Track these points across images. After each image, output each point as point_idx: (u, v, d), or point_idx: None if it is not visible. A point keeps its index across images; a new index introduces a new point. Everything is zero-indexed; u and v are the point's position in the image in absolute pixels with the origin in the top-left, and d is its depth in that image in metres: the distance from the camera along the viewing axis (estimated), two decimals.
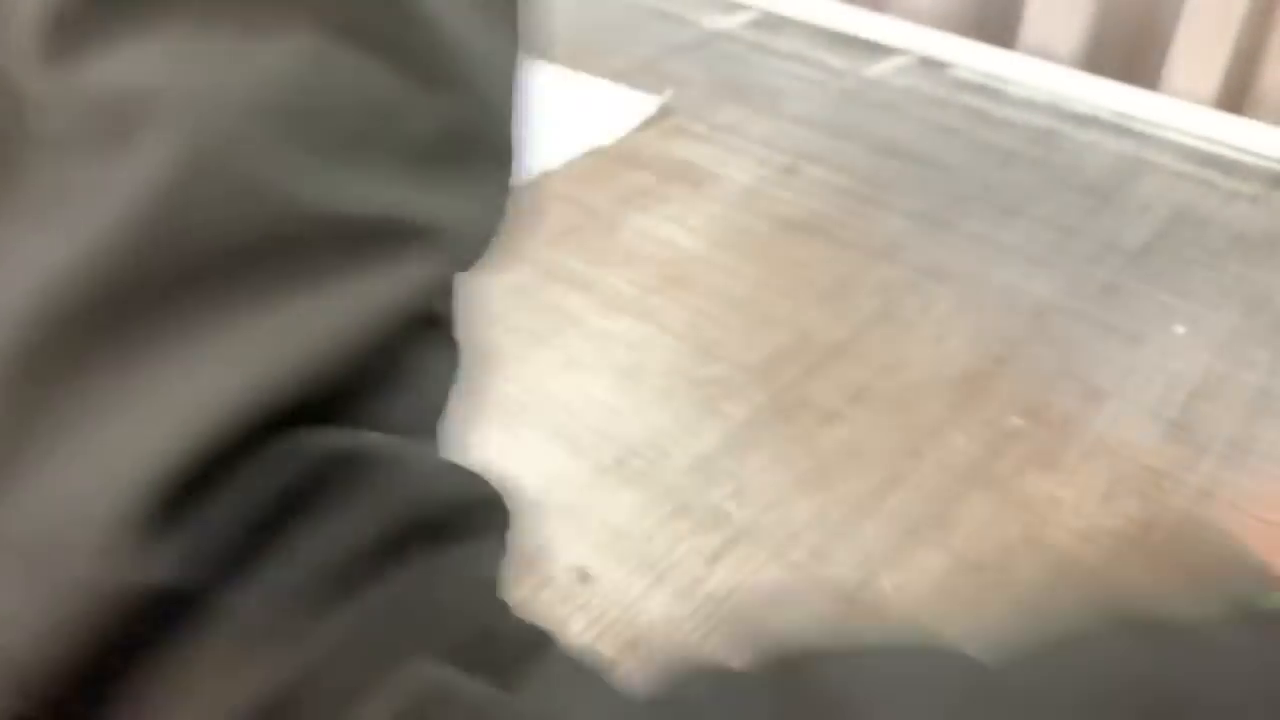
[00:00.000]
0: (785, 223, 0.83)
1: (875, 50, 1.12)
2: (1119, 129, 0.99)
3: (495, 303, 0.72)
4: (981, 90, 1.05)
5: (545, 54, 1.08)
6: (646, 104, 0.98)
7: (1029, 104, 1.03)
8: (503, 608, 0.26)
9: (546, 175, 0.87)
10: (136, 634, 0.21)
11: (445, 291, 0.30)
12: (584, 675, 0.26)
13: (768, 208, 0.85)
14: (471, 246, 0.31)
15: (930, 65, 1.09)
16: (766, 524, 0.58)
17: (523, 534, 0.28)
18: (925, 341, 0.72)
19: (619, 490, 0.59)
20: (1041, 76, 1.07)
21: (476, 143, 0.29)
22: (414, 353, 0.27)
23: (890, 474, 0.61)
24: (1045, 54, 1.12)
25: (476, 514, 0.27)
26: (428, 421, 0.29)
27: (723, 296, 0.75)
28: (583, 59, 1.07)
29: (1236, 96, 1.06)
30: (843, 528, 0.58)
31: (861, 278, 0.77)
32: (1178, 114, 1.01)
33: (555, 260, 0.78)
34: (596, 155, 0.91)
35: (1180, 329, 0.74)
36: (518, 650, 0.25)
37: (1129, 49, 1.12)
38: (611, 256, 0.78)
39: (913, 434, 0.64)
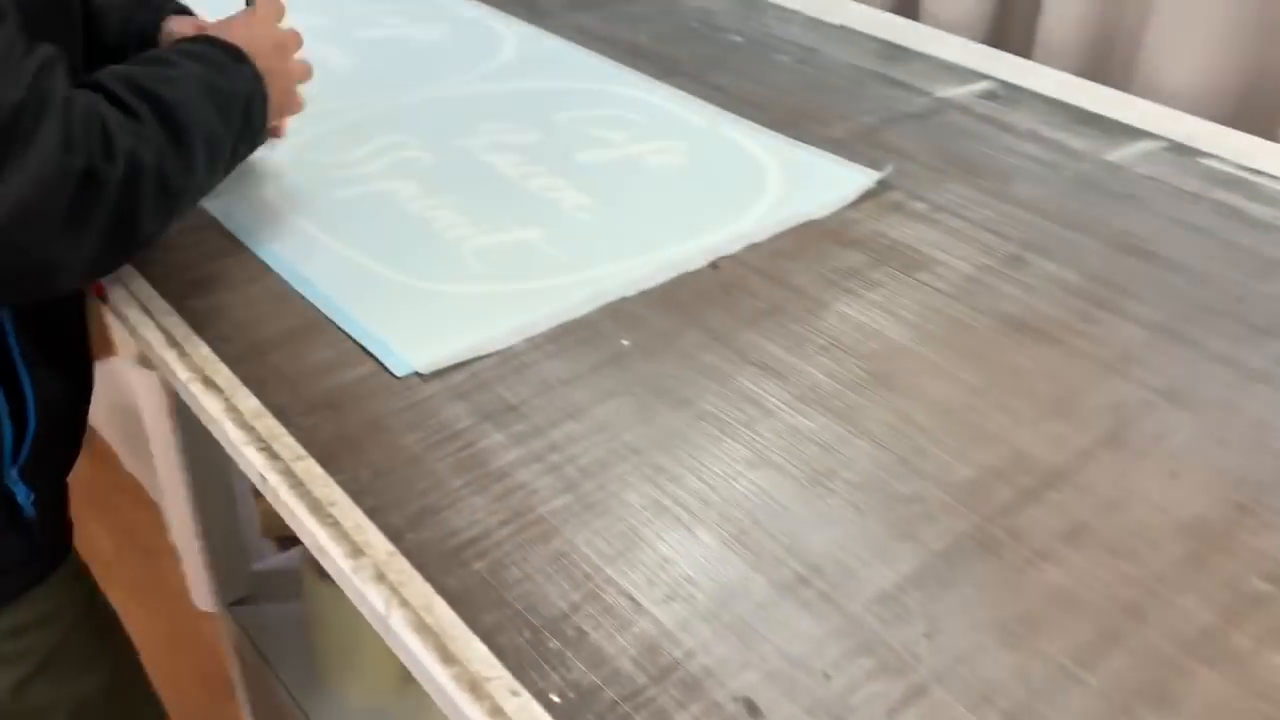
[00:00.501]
0: (1007, 321, 0.77)
1: (1120, 132, 1.04)
2: None
3: (687, 384, 0.69)
4: (1238, 185, 0.95)
5: (760, 117, 1.05)
6: (864, 177, 0.93)
7: None
8: None
9: (751, 247, 0.84)
10: None
11: None
12: None
13: (988, 302, 0.79)
14: None
15: (1181, 153, 1.00)
16: (960, 675, 0.52)
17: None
18: (1157, 476, 0.64)
19: (798, 614, 0.55)
20: None
21: None
22: None
23: (1106, 632, 0.54)
24: None
25: None
26: None
27: (931, 401, 0.69)
28: (800, 124, 1.03)
29: None
30: (1046, 690, 0.51)
31: (1089, 393, 0.70)
32: None
33: (752, 342, 0.74)
34: (806, 229, 0.87)
35: None
36: None
37: None
38: (812, 343, 0.74)
39: (1135, 587, 0.57)
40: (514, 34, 1.22)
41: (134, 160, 0.63)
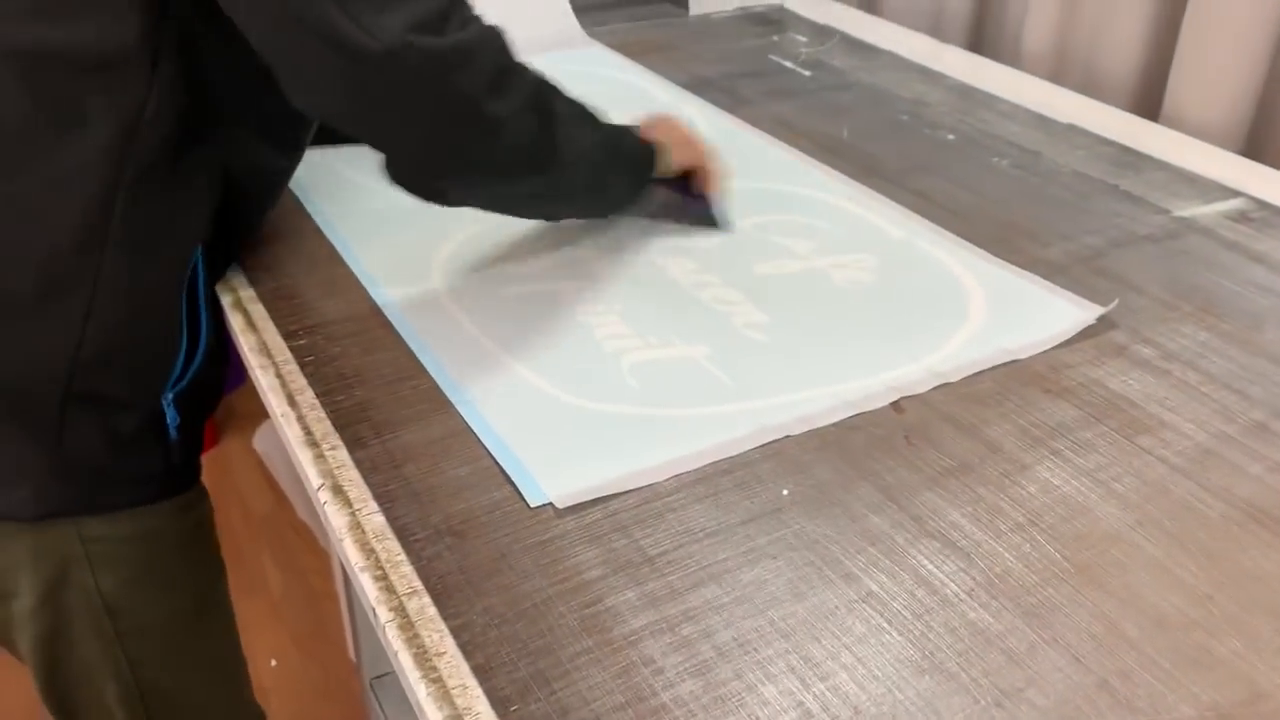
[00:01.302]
0: (1247, 508, 0.64)
1: None
2: None
3: (852, 553, 0.60)
4: None
5: (967, 231, 0.95)
6: (1083, 312, 0.82)
7: None
8: None
9: (942, 388, 0.74)
10: None
11: None
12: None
13: (1224, 481, 0.66)
14: None
15: None
16: None
17: None
18: None
19: None
20: None
21: None
22: None
23: None
24: None
25: None
26: None
27: (1145, 607, 0.57)
28: (1013, 242, 0.93)
29: None
30: None
31: None
32: None
33: (933, 507, 0.64)
34: (1009, 371, 0.76)
35: None
36: None
37: None
38: (1006, 517, 0.63)
39: None
40: (708, 124, 1.17)
41: (544, 83, 0.76)
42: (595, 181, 0.84)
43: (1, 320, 0.73)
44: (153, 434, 0.80)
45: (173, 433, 0.81)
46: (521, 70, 0.73)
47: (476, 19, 0.70)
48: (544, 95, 0.76)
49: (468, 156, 0.73)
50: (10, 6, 0.69)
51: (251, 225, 0.89)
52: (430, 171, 0.73)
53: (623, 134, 0.86)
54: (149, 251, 0.75)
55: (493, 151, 0.73)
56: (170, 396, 0.80)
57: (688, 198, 0.94)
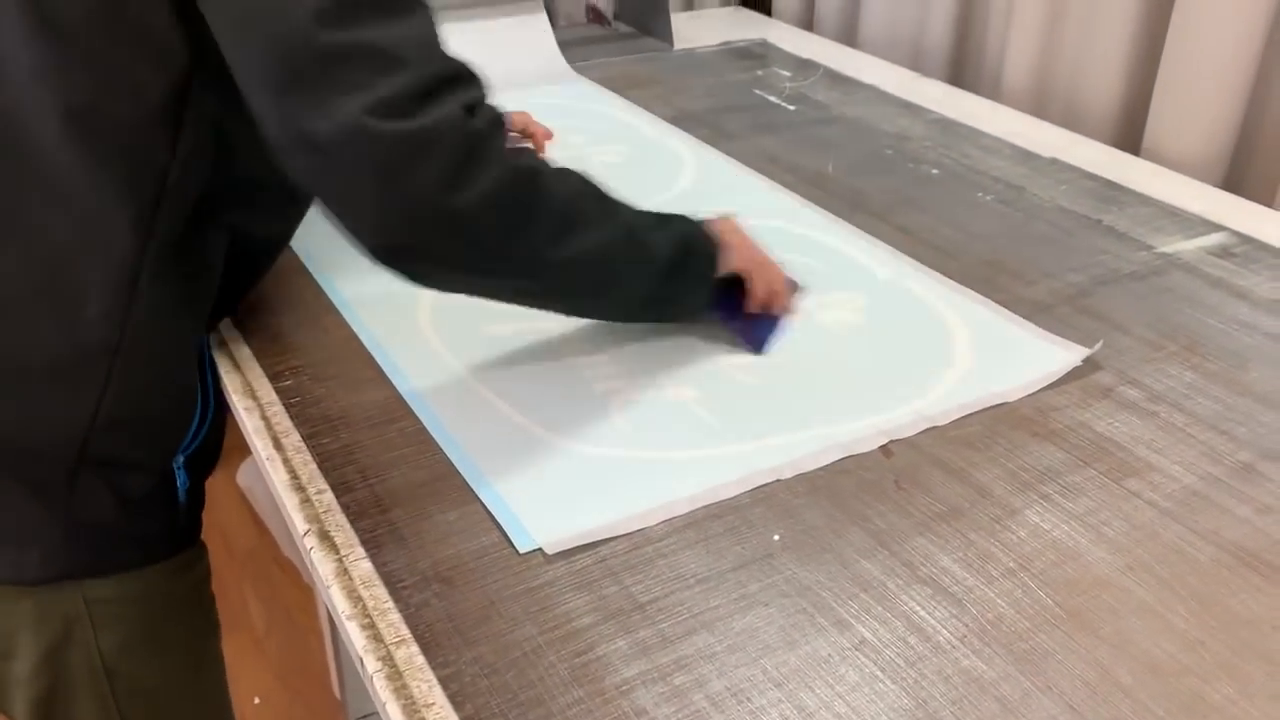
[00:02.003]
0: (1236, 551, 0.64)
1: None
2: None
3: (844, 599, 0.60)
4: None
5: (952, 268, 0.95)
6: (1069, 354, 0.82)
7: None
8: None
9: (931, 431, 0.74)
10: None
11: None
12: None
13: (1212, 524, 0.66)
14: None
15: None
16: None
17: None
18: None
19: None
20: None
21: None
22: None
23: None
24: None
25: None
26: None
27: (1137, 653, 0.57)
28: (997, 281, 0.93)
29: None
30: None
31: None
32: None
33: (924, 553, 0.64)
34: (997, 414, 0.76)
35: None
36: None
37: None
38: (997, 562, 0.63)
39: None
40: (694, 158, 1.17)
41: (536, 172, 0.69)
42: (607, 283, 0.76)
43: (20, 386, 0.71)
44: (162, 496, 0.79)
45: (182, 495, 0.80)
46: (496, 159, 0.65)
47: (444, 96, 0.63)
48: (526, 186, 0.67)
49: (427, 255, 0.66)
50: (38, 71, 0.67)
51: (255, 283, 0.88)
52: (392, 264, 0.67)
53: (669, 233, 0.77)
54: (170, 318, 0.74)
55: (453, 250, 0.66)
56: (181, 459, 0.79)
57: (727, 311, 0.84)
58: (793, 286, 0.87)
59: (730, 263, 0.81)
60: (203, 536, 0.88)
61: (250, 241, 0.81)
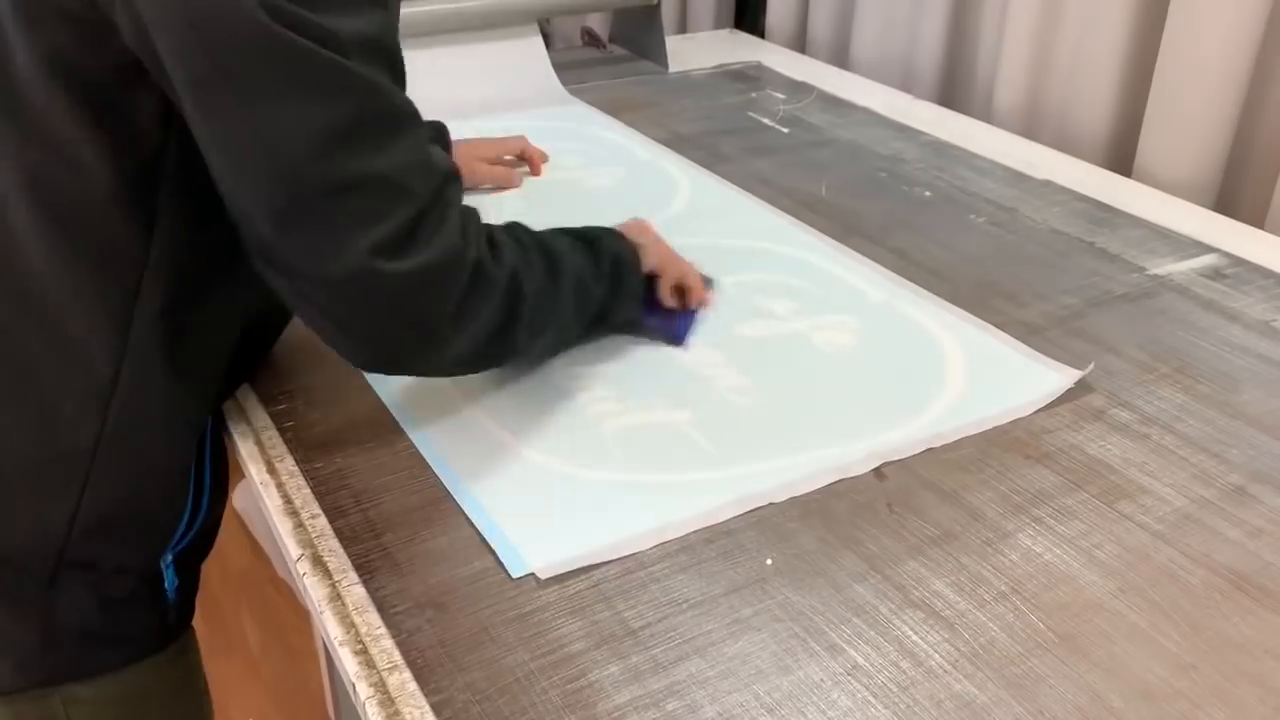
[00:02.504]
0: (1228, 574, 0.64)
1: None
2: None
3: (837, 623, 0.60)
4: None
5: (945, 290, 0.95)
6: (1061, 377, 0.82)
7: None
8: None
9: (924, 454, 0.74)
10: None
11: None
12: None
13: (1204, 547, 0.66)
14: None
15: None
16: None
17: None
18: None
19: None
20: None
21: None
22: None
23: None
24: None
25: None
26: None
27: (1129, 678, 0.57)
28: (990, 303, 0.93)
29: None
30: None
31: None
32: None
33: (917, 576, 0.64)
34: (989, 437, 0.76)
35: None
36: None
37: None
38: (989, 586, 0.63)
39: None
40: (689, 181, 1.17)
41: (516, 276, 0.69)
42: (563, 338, 0.82)
43: None
44: (148, 595, 0.75)
45: (170, 595, 0.76)
46: (492, 283, 0.66)
47: (443, 222, 0.62)
48: (515, 308, 0.69)
49: (414, 369, 0.70)
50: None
51: (268, 350, 0.85)
52: (372, 369, 0.74)
53: (603, 260, 0.80)
54: (158, 412, 0.69)
55: (444, 365, 0.70)
56: (170, 558, 0.75)
57: (648, 309, 0.86)
58: (706, 282, 0.91)
59: (648, 263, 0.84)
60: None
61: (256, 314, 0.77)
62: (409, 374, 0.73)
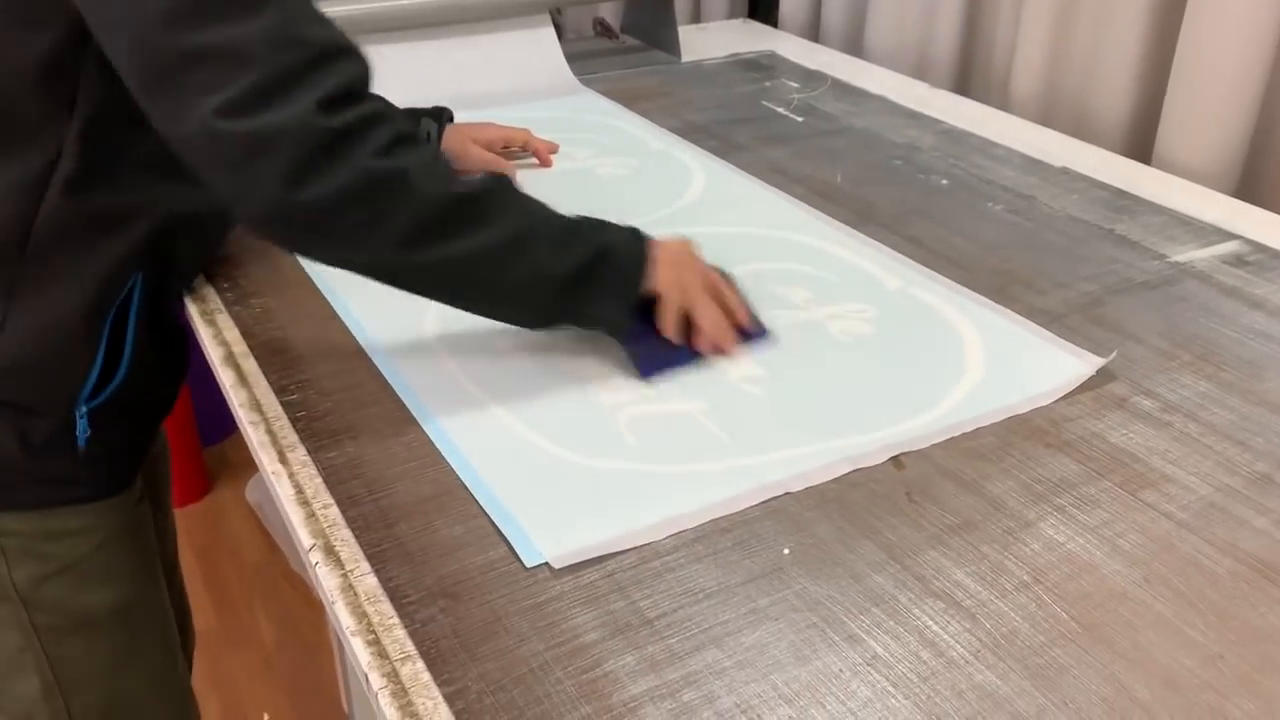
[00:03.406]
0: (1254, 563, 0.63)
1: None
2: None
3: (856, 613, 0.59)
4: None
5: (963, 278, 0.94)
6: (1082, 364, 0.81)
7: None
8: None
9: (943, 443, 0.73)
10: None
11: None
12: None
13: (1229, 535, 0.65)
14: None
15: None
16: None
17: None
18: None
19: None
20: None
21: None
22: None
23: None
24: None
25: None
26: None
27: (1155, 668, 0.56)
28: (1009, 290, 0.92)
29: None
30: None
31: None
32: None
33: (937, 566, 0.63)
34: (1009, 425, 0.75)
35: None
36: None
37: None
38: (1010, 575, 0.62)
39: None
40: (703, 170, 1.17)
41: (397, 175, 0.68)
42: (483, 290, 0.75)
43: None
44: (64, 442, 0.83)
45: (81, 443, 0.83)
46: (350, 157, 0.66)
47: (290, 92, 0.65)
48: (382, 187, 0.68)
49: (288, 242, 0.72)
50: None
51: (203, 255, 0.92)
52: (273, 243, 0.74)
53: (583, 244, 0.76)
54: (64, 278, 0.78)
55: (308, 242, 0.71)
56: (84, 410, 0.82)
57: (639, 332, 0.79)
58: (753, 332, 0.83)
59: (651, 281, 0.78)
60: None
61: (181, 216, 0.82)
62: (296, 250, 0.76)
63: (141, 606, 0.94)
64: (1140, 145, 1.28)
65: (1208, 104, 1.16)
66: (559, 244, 0.75)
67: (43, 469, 0.84)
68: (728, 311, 0.82)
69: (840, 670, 0.56)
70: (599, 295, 0.77)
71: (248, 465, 2.17)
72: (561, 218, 0.77)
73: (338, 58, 0.68)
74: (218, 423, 2.20)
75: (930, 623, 0.59)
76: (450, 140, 1.10)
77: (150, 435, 0.96)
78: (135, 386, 0.85)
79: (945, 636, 0.58)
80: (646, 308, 0.79)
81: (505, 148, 1.15)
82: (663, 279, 0.78)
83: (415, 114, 1.10)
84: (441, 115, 1.11)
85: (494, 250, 0.73)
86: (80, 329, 0.81)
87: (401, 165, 0.68)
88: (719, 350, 0.81)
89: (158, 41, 0.64)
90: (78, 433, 0.83)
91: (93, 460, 0.85)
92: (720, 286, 0.82)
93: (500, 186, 0.75)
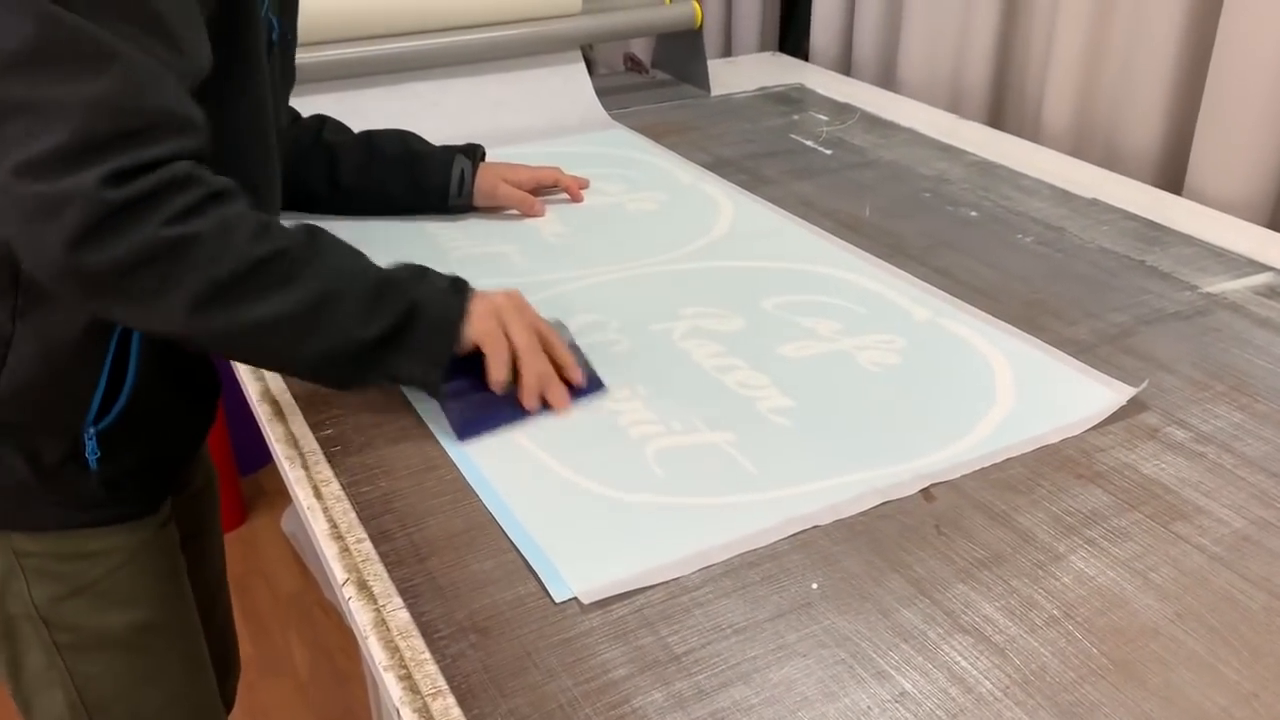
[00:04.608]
0: None
1: None
2: None
3: (884, 649, 0.59)
4: None
5: (993, 309, 0.94)
6: (1114, 394, 0.81)
7: None
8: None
9: (973, 474, 0.73)
10: None
11: None
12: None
13: (1266, 570, 0.65)
14: None
15: None
16: None
17: None
18: None
19: None
20: None
21: None
22: None
23: None
24: None
25: None
26: None
27: (1188, 706, 0.56)
28: (1039, 321, 0.92)
29: None
30: None
31: None
32: None
33: (966, 600, 0.63)
34: (1040, 456, 0.75)
35: None
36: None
37: None
38: (1040, 610, 0.62)
39: None
40: (731, 203, 1.17)
41: (192, 241, 0.67)
42: (281, 353, 0.74)
43: None
44: (76, 464, 0.85)
45: (92, 464, 0.85)
46: (137, 229, 0.66)
47: (87, 160, 0.64)
48: (166, 257, 0.67)
49: (81, 305, 0.73)
50: None
51: None
52: (44, 279, 0.70)
53: (391, 302, 0.74)
54: (65, 301, 0.78)
55: (98, 307, 0.71)
56: (92, 431, 0.84)
57: (460, 388, 0.77)
58: (584, 387, 0.80)
59: (466, 335, 0.76)
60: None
61: None
62: (67, 295, 0.72)
63: (165, 627, 0.95)
64: (1171, 176, 1.27)
65: (1239, 135, 1.15)
66: (367, 305, 0.73)
67: (57, 490, 0.85)
68: (556, 365, 0.80)
69: (869, 707, 0.56)
70: (406, 357, 0.75)
71: (283, 494, 2.19)
72: (376, 272, 0.75)
73: (165, 129, 0.67)
74: (254, 452, 2.23)
75: (959, 659, 0.59)
76: (482, 179, 1.12)
77: (177, 461, 0.97)
78: (145, 408, 0.86)
79: (974, 673, 0.58)
80: (473, 361, 0.77)
81: (536, 189, 1.16)
82: (482, 331, 0.76)
83: (450, 152, 1.11)
84: (475, 153, 1.13)
85: (293, 315, 0.71)
86: (84, 350, 0.82)
87: (194, 230, 0.67)
88: (546, 405, 0.79)
89: None
90: (87, 454, 0.85)
91: (109, 483, 0.86)
92: (549, 338, 0.80)
93: (309, 243, 0.73)
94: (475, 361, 0.77)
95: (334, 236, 0.76)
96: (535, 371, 0.78)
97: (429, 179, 1.11)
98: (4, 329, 0.80)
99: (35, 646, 0.89)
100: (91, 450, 0.85)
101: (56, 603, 0.88)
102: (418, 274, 0.77)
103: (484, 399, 0.78)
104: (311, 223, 0.75)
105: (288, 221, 0.76)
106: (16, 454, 0.83)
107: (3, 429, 0.83)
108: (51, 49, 0.64)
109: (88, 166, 0.64)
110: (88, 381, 0.83)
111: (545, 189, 1.18)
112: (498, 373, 0.77)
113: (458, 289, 0.78)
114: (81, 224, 0.64)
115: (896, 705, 0.56)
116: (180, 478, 1.01)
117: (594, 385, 0.81)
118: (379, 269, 0.76)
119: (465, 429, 0.77)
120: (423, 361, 0.76)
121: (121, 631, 0.92)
